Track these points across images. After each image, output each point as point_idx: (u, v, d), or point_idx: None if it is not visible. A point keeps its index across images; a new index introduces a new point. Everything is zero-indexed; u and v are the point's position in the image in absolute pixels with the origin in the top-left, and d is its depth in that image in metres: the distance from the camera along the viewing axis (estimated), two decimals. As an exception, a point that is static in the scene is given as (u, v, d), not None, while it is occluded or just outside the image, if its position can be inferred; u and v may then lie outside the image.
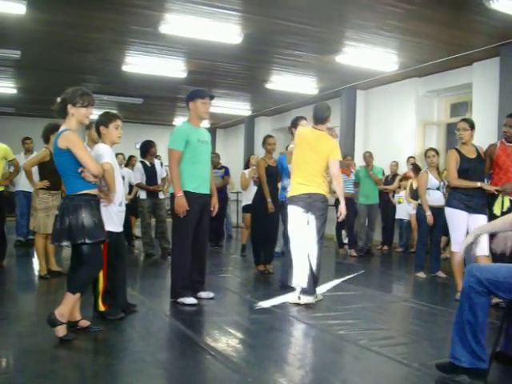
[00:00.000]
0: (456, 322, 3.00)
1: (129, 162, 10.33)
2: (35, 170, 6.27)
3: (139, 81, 10.57)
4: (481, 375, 2.94)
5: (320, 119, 5.18)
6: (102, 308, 4.33)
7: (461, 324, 2.95)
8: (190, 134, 4.95)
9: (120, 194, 4.37)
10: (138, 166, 8.46)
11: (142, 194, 8.37)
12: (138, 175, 8.39)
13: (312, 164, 5.08)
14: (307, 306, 4.99)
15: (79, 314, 4.02)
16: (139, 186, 8.39)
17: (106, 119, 4.35)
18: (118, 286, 4.44)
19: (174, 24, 7.06)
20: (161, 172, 8.50)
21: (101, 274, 4.21)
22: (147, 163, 8.41)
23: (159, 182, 8.43)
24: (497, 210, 5.18)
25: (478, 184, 5.16)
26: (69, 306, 3.73)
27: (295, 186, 5.21)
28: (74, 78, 10.12)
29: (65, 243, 3.78)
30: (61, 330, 3.68)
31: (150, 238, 8.47)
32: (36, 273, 6.52)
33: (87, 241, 3.72)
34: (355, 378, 3.24)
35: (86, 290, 3.97)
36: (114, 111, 4.67)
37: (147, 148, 8.45)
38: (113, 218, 4.28)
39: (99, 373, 3.19)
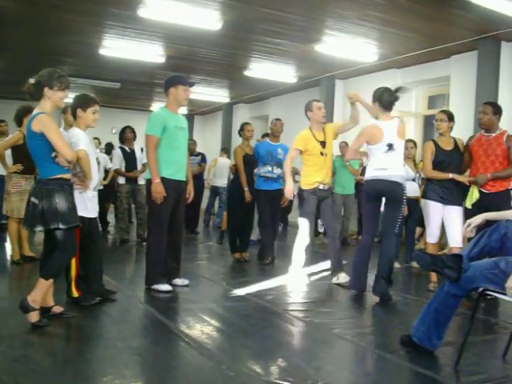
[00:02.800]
0: (428, 304, 3.36)
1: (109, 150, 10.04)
2: (8, 153, 6.14)
3: (116, 65, 10.41)
4: (424, 353, 3.34)
5: None
6: (75, 294, 4.29)
7: (430, 308, 3.32)
8: (167, 119, 4.89)
9: (95, 180, 4.31)
10: (117, 151, 8.38)
11: (121, 179, 8.29)
12: (116, 161, 8.31)
13: None
14: (285, 293, 5.07)
15: (52, 299, 3.97)
16: (117, 172, 8.31)
17: (84, 102, 4.25)
18: (91, 272, 4.40)
19: (153, 8, 6.94)
20: (141, 157, 8.40)
21: (73, 260, 4.16)
22: (126, 149, 8.32)
23: (139, 167, 8.33)
24: (468, 202, 5.24)
25: (450, 175, 5.20)
26: (41, 292, 3.68)
27: None
28: (49, 59, 9.91)
29: (38, 228, 3.72)
30: (33, 316, 3.63)
31: (125, 223, 8.41)
32: (8, 258, 6.41)
33: (61, 226, 3.67)
34: (328, 366, 3.28)
35: (60, 276, 3.93)
36: (92, 95, 4.54)
37: (123, 134, 8.37)
38: (85, 203, 4.21)
39: (72, 359, 3.16)
